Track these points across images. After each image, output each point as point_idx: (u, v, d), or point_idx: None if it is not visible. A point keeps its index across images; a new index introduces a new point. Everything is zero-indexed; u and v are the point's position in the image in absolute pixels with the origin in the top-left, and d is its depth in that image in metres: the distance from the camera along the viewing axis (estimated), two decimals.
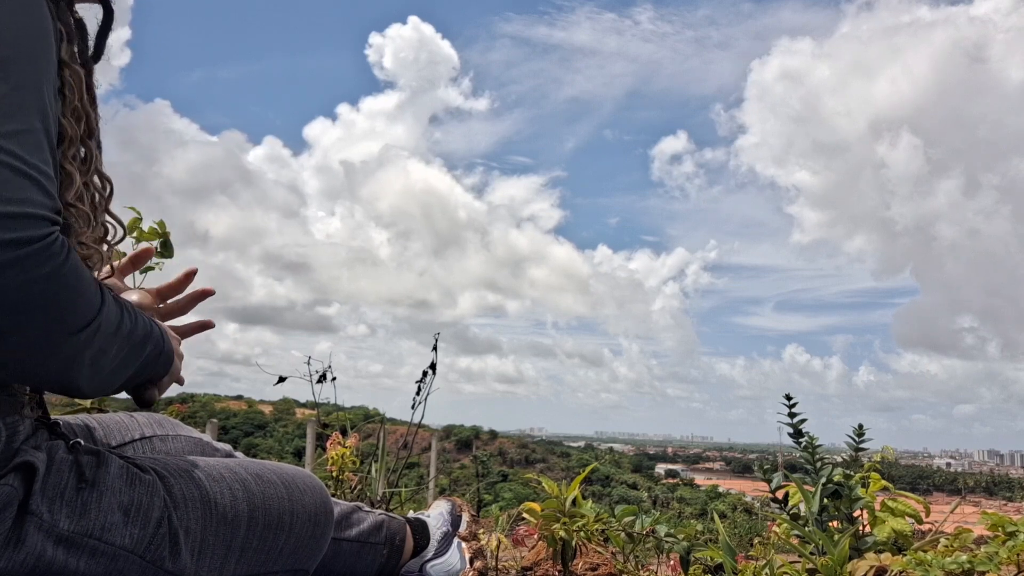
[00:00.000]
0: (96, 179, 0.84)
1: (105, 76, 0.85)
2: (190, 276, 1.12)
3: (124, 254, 1.25)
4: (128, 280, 1.12)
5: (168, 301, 1.09)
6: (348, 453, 2.51)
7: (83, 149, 0.80)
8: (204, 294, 1.13)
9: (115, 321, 0.75)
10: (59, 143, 0.74)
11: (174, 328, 1.06)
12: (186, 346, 1.14)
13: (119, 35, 0.87)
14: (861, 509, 2.06)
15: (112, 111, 0.83)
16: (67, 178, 0.76)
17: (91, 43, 0.84)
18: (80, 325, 0.69)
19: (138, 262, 1.12)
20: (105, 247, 0.86)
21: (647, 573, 2.19)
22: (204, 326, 1.12)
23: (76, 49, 0.80)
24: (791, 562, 1.80)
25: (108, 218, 0.86)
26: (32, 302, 0.64)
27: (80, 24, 0.82)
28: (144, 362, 0.83)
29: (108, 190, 0.86)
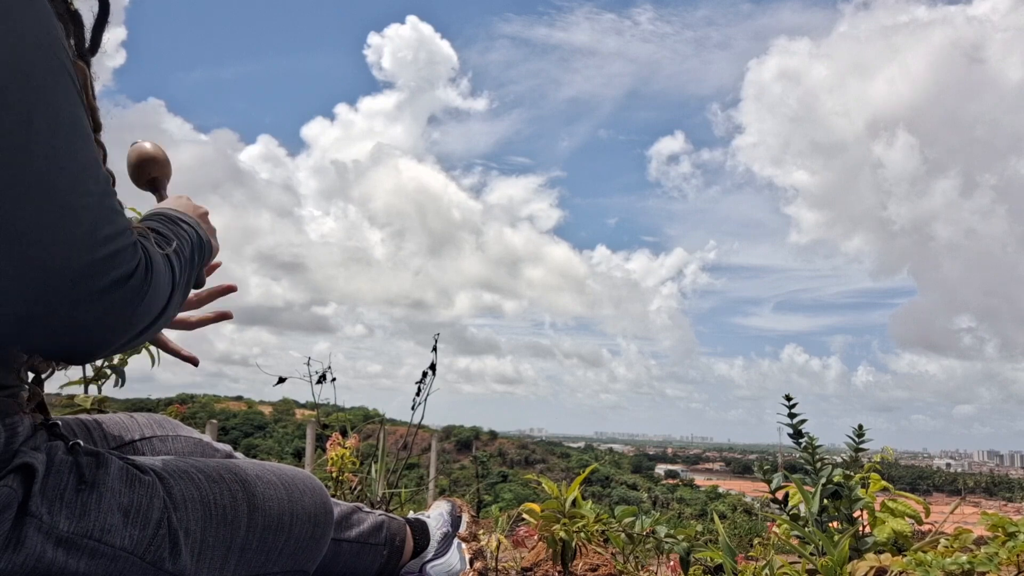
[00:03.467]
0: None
1: (99, 76, 0.84)
2: (228, 290, 1.15)
3: None
4: None
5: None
6: (348, 454, 2.51)
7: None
8: (227, 290, 1.14)
9: (179, 275, 0.80)
10: None
11: (190, 321, 1.09)
12: (187, 345, 1.14)
13: (115, 35, 0.87)
14: (861, 510, 2.06)
15: (104, 111, 0.83)
16: None
17: (87, 36, 0.83)
18: (159, 313, 0.76)
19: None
20: None
21: (647, 574, 2.19)
22: (223, 316, 1.13)
23: (74, 43, 0.79)
24: (791, 563, 1.80)
25: None
26: (131, 321, 0.70)
27: (76, 17, 0.81)
28: (199, 269, 0.91)
29: (111, 183, 0.86)
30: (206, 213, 1.00)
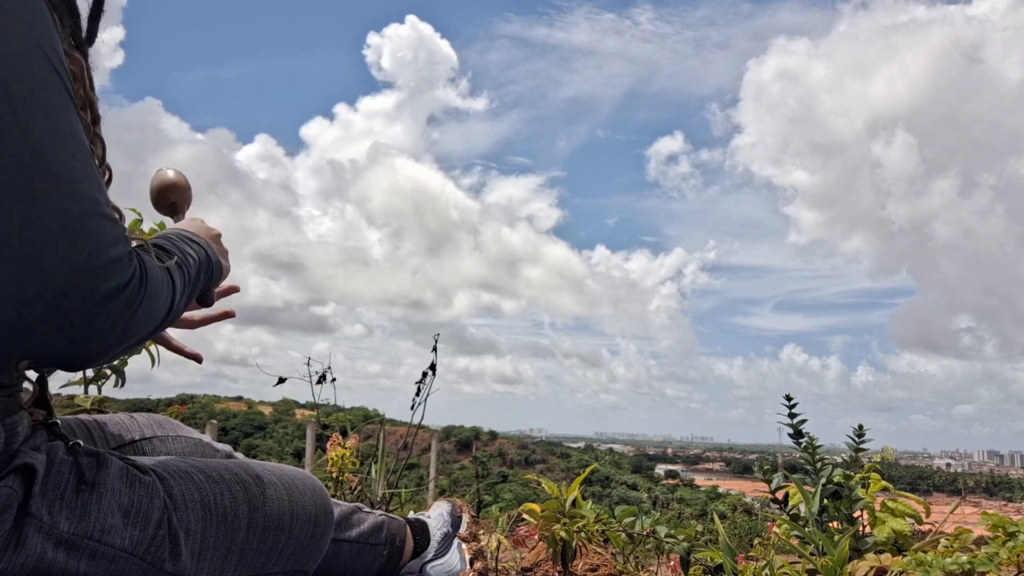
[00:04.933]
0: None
1: (97, 67, 0.83)
2: (231, 291, 1.15)
3: None
4: None
5: None
6: (348, 454, 2.51)
7: (93, 139, 0.79)
8: (229, 291, 1.15)
9: (181, 289, 0.81)
10: None
11: (193, 320, 1.10)
12: (188, 344, 1.14)
13: (113, 35, 0.86)
14: (861, 510, 2.06)
15: (101, 110, 0.83)
16: None
17: (83, 27, 0.82)
18: (158, 324, 0.76)
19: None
20: None
21: (647, 574, 2.19)
22: (226, 315, 1.13)
23: (69, 34, 0.78)
24: (791, 563, 1.80)
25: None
26: (127, 331, 0.70)
27: (72, 7, 0.80)
28: (202, 287, 0.92)
29: (107, 178, 0.85)
30: (219, 235, 1.02)
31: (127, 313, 0.68)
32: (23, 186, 0.60)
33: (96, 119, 0.80)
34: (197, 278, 0.88)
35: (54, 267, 0.62)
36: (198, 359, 1.14)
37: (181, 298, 0.81)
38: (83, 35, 0.82)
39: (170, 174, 1.08)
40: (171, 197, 1.08)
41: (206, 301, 0.99)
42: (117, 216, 0.72)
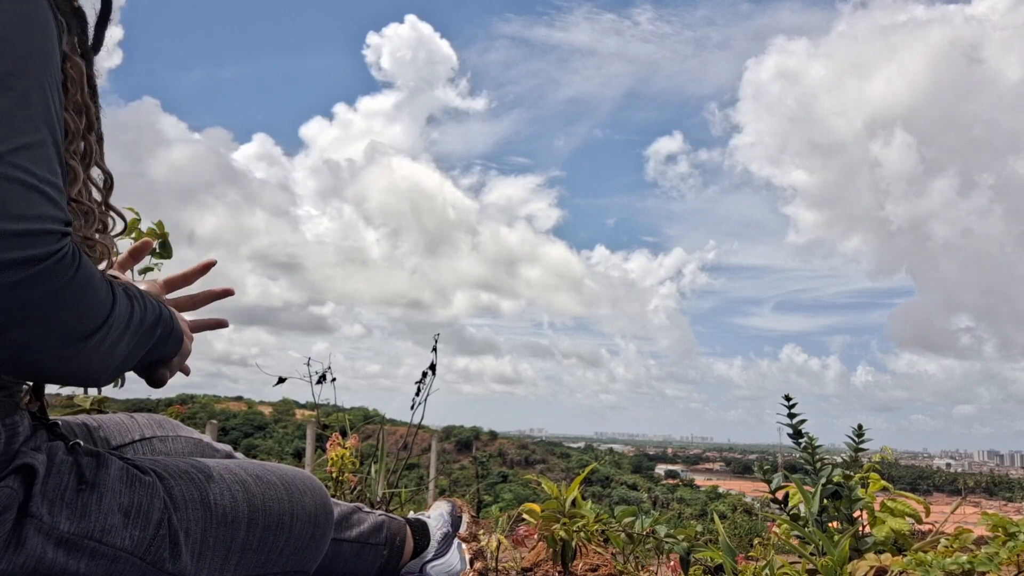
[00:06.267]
0: (95, 172, 0.83)
1: (100, 75, 0.84)
2: (206, 268, 1.11)
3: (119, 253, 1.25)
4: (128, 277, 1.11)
5: (179, 295, 1.07)
6: (348, 454, 2.51)
7: (83, 144, 0.79)
8: (224, 293, 1.11)
9: (126, 315, 0.75)
10: (63, 138, 0.74)
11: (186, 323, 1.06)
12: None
13: (112, 34, 0.86)
14: (861, 509, 2.06)
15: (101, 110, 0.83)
16: (71, 173, 0.76)
17: (90, 33, 0.83)
18: (92, 329, 0.69)
19: (138, 255, 1.10)
20: (107, 239, 0.86)
21: (647, 574, 2.19)
22: (218, 324, 1.10)
23: (76, 40, 0.79)
24: (791, 563, 1.80)
25: (110, 212, 0.86)
26: (46, 316, 0.64)
27: (80, 13, 0.81)
28: (155, 345, 0.84)
29: (108, 183, 0.85)
30: (189, 326, 0.97)
31: (47, 287, 0.63)
32: None
33: (91, 126, 0.80)
34: (153, 327, 0.81)
35: None
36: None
37: (126, 329, 0.75)
38: (89, 42, 0.82)
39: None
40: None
41: (155, 379, 0.89)
42: (64, 205, 0.67)
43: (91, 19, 0.83)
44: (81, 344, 0.69)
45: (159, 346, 0.85)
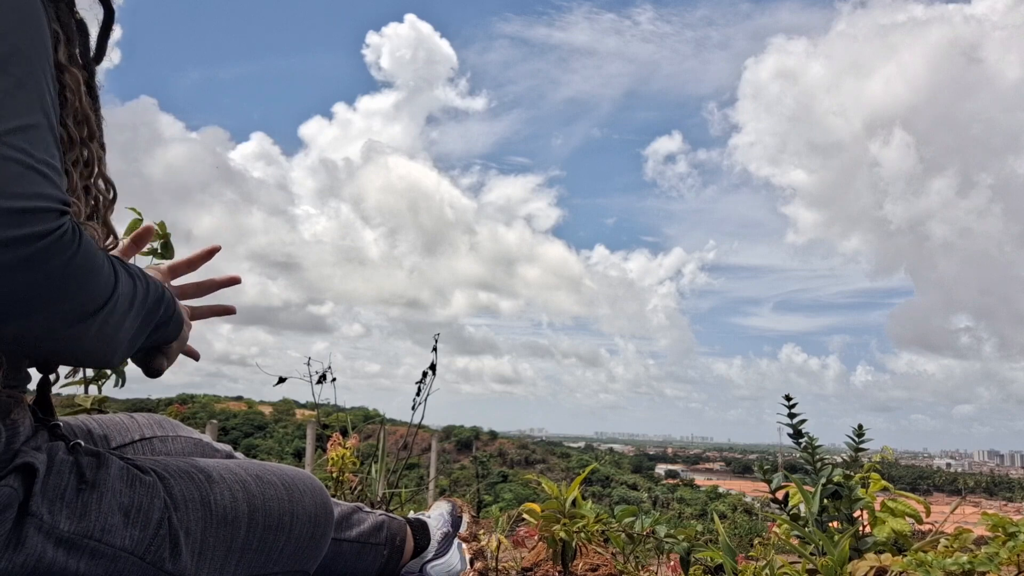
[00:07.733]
0: (100, 183, 0.83)
1: (103, 85, 0.84)
2: (211, 253, 1.10)
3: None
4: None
5: (183, 282, 1.07)
6: (348, 454, 2.51)
7: (85, 152, 0.80)
8: (230, 281, 1.11)
9: (129, 293, 0.75)
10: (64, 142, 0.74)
11: (190, 308, 1.06)
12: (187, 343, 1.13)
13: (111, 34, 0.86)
14: (861, 509, 2.06)
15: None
16: (66, 180, 0.76)
17: (92, 44, 0.84)
18: (96, 307, 0.70)
19: (140, 242, 1.10)
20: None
21: (647, 574, 2.19)
22: (225, 311, 1.10)
23: (77, 51, 0.80)
24: (791, 563, 1.80)
25: (105, 227, 0.86)
26: (49, 293, 0.64)
27: (81, 25, 0.81)
28: (158, 325, 0.84)
29: (112, 195, 0.86)
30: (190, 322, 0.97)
31: (49, 262, 0.63)
32: None
33: (92, 134, 0.80)
34: (156, 306, 0.82)
35: None
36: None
37: (130, 307, 0.75)
38: (91, 53, 0.83)
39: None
40: None
41: (152, 368, 0.90)
42: (63, 185, 0.68)
43: (93, 29, 0.84)
44: (88, 322, 0.69)
45: (162, 327, 0.85)
